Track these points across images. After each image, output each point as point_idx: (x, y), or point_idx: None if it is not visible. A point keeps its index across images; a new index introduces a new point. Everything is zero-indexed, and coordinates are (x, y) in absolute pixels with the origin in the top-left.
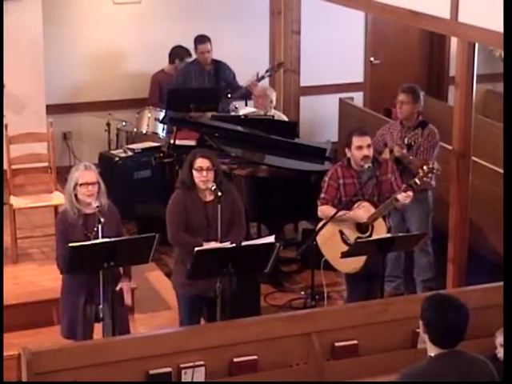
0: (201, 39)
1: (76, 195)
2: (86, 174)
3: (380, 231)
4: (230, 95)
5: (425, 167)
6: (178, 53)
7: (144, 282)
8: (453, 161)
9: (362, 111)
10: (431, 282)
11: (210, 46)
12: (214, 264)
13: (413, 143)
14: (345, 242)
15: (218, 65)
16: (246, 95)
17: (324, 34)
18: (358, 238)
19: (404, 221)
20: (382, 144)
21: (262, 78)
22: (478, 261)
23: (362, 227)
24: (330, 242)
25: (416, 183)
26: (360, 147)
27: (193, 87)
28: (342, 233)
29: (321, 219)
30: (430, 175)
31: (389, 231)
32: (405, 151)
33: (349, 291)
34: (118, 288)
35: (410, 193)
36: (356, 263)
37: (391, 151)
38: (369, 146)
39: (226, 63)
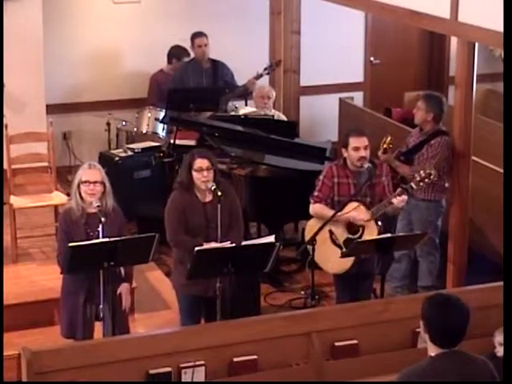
0: (198, 34)
1: (80, 193)
2: (88, 173)
3: (371, 233)
4: (228, 91)
5: (422, 172)
6: (175, 52)
7: (144, 282)
8: (453, 161)
9: (361, 111)
10: (430, 290)
11: (206, 40)
12: (214, 264)
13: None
14: (333, 241)
15: (215, 64)
16: (244, 93)
17: (324, 34)
18: (348, 239)
19: (411, 226)
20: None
21: (261, 76)
22: (478, 261)
23: (352, 228)
24: (318, 240)
25: (412, 187)
26: (357, 148)
27: (193, 87)
28: (331, 232)
29: (312, 217)
30: (426, 180)
31: (379, 234)
32: (386, 156)
33: (337, 291)
34: (118, 292)
35: (405, 197)
36: (344, 264)
37: (385, 152)
38: (366, 147)
39: (224, 63)
